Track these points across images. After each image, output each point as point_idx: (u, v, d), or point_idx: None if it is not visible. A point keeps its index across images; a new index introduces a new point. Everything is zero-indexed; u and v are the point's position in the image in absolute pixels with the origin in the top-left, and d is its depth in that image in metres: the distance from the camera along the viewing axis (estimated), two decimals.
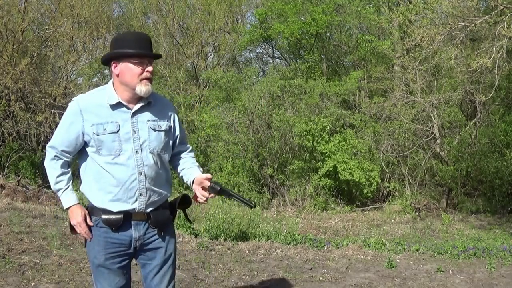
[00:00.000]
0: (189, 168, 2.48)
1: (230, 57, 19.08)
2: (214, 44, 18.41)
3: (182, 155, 2.53)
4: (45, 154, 2.40)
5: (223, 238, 5.65)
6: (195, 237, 5.57)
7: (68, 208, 2.32)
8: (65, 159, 2.32)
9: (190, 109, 15.18)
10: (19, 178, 8.55)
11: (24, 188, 7.87)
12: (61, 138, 2.29)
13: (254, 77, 16.78)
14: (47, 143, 2.41)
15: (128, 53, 2.21)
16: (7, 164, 10.12)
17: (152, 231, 2.36)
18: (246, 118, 12.40)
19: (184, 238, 5.42)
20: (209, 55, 18.87)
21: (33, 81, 11.91)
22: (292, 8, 15.57)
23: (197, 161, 2.60)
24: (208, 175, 2.36)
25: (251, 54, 20.82)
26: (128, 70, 2.23)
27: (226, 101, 13.78)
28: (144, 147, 2.29)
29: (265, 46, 20.04)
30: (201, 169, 2.49)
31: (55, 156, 2.31)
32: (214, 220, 5.89)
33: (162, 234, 2.39)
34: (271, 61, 20.43)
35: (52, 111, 11.87)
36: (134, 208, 2.29)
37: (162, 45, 17.80)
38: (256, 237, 6.00)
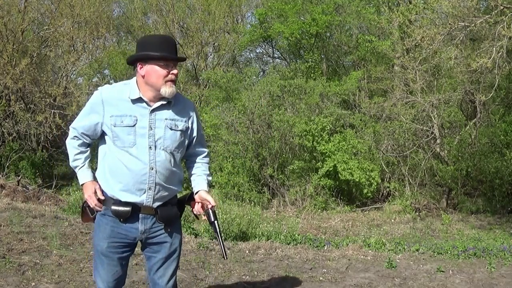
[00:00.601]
0: (198, 175, 2.58)
1: (230, 57, 19.09)
2: (214, 44, 18.42)
3: (197, 159, 2.62)
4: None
5: (223, 238, 5.64)
6: (195, 237, 5.57)
7: (83, 184, 2.45)
8: (85, 140, 2.45)
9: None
10: (19, 178, 8.55)
11: (24, 188, 7.88)
12: (82, 123, 2.42)
13: (254, 77, 16.79)
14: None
15: (155, 56, 2.31)
16: (7, 164, 10.12)
17: (159, 225, 2.45)
18: (246, 118, 12.40)
19: (184, 238, 5.41)
20: (209, 55, 18.88)
21: (33, 81, 11.91)
22: (292, 8, 15.57)
23: (210, 168, 2.68)
24: (211, 202, 2.46)
25: (251, 54, 20.85)
26: (154, 72, 2.32)
27: (226, 101, 13.78)
28: (158, 143, 2.37)
29: (265, 46, 20.04)
30: (210, 178, 2.61)
31: (75, 136, 2.45)
32: None
33: (169, 229, 2.48)
34: (271, 61, 20.43)
35: (52, 111, 11.87)
36: (142, 201, 2.38)
37: None
38: (256, 237, 6.00)
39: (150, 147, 2.35)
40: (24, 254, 4.40)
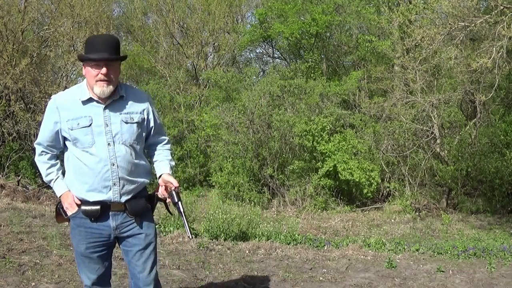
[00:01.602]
0: (160, 161, 2.62)
1: (230, 57, 19.08)
2: (214, 44, 18.41)
3: (158, 147, 2.66)
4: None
5: (223, 238, 5.64)
6: (195, 237, 5.57)
7: (61, 196, 2.48)
8: (52, 153, 2.52)
9: (190, 109, 15.18)
10: (19, 178, 8.55)
11: (24, 188, 7.88)
12: (44, 135, 2.50)
13: (254, 77, 16.80)
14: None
15: (84, 57, 2.39)
16: (7, 164, 10.11)
17: (130, 219, 2.49)
18: (246, 118, 12.39)
19: (184, 238, 5.41)
20: (209, 55, 18.87)
21: (33, 81, 11.90)
22: (292, 8, 15.56)
23: (172, 153, 2.74)
24: (174, 183, 2.49)
25: (251, 54, 20.83)
26: (87, 72, 2.41)
27: (226, 101, 13.77)
28: (116, 139, 2.41)
29: (265, 46, 20.03)
30: (173, 163, 2.65)
31: (42, 151, 2.52)
32: (214, 220, 5.89)
33: (140, 221, 2.52)
34: (271, 61, 20.42)
35: None
36: (109, 198, 2.41)
37: (162, 45, 17.81)
38: (256, 237, 6.00)
39: (108, 144, 2.39)
40: (24, 254, 4.40)
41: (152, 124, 2.58)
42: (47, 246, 4.68)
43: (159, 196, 2.55)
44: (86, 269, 2.52)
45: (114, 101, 2.44)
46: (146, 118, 2.53)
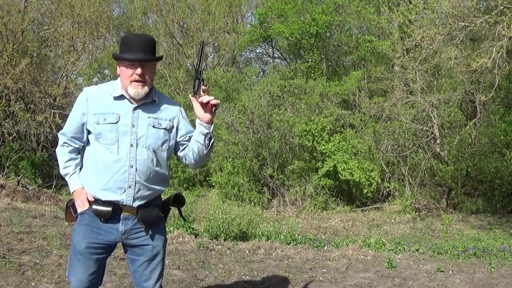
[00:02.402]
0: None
1: (230, 57, 19.09)
2: (214, 44, 18.41)
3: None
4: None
5: (223, 238, 5.65)
6: (195, 237, 5.57)
7: (73, 192, 2.43)
8: (75, 145, 2.45)
9: (190, 109, 15.13)
10: (19, 178, 8.55)
11: (24, 188, 7.87)
12: (70, 125, 2.42)
13: (254, 77, 16.80)
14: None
15: (120, 57, 2.34)
16: (7, 164, 10.11)
17: (140, 227, 2.42)
18: (246, 118, 12.39)
19: (184, 238, 5.42)
20: (209, 55, 18.87)
21: (33, 81, 11.90)
22: (292, 8, 15.56)
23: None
24: (192, 98, 2.42)
25: (251, 54, 20.84)
26: (122, 72, 2.36)
27: (226, 101, 13.77)
28: (140, 141, 2.36)
29: (265, 46, 20.04)
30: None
31: (65, 143, 2.45)
32: (214, 220, 5.90)
33: (150, 232, 2.45)
34: (271, 61, 20.42)
35: (52, 111, 11.86)
36: (122, 200, 2.35)
37: (162, 45, 17.80)
38: (256, 237, 6.00)
39: (131, 145, 2.34)
40: (24, 254, 4.40)
41: (185, 131, 2.49)
42: (47, 246, 4.68)
43: (203, 100, 2.40)
44: (80, 270, 2.42)
45: (145, 103, 2.39)
46: (175, 126, 2.47)
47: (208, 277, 4.29)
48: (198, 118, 2.44)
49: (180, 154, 2.52)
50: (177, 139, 2.49)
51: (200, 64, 2.43)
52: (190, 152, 2.48)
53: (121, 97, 2.37)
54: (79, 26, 13.02)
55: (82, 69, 14.55)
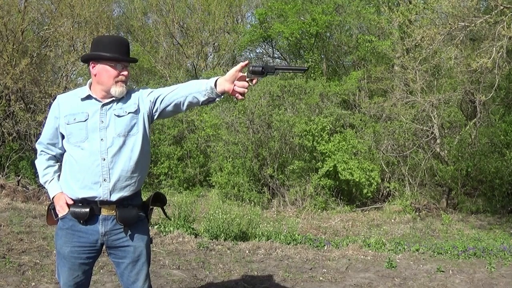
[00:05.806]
0: (196, 83, 2.42)
1: (230, 57, 19.08)
2: (214, 44, 18.42)
3: (180, 88, 2.46)
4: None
5: (223, 238, 5.64)
6: (195, 237, 5.57)
7: (53, 197, 2.45)
8: (51, 153, 2.51)
9: (190, 109, 15.18)
10: (19, 178, 8.55)
11: (24, 188, 7.88)
12: (45, 132, 2.50)
13: None
14: None
15: (106, 56, 2.38)
16: (7, 164, 10.11)
17: (119, 228, 2.42)
18: (246, 118, 12.39)
19: (184, 238, 5.42)
20: (209, 55, 18.88)
21: (33, 81, 11.90)
22: (292, 8, 15.56)
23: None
24: (242, 64, 2.33)
25: (251, 54, 20.83)
26: (105, 71, 2.40)
27: (226, 101, 13.77)
28: (109, 134, 2.39)
29: (265, 46, 20.05)
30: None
31: (42, 151, 2.52)
32: (214, 220, 5.89)
33: (130, 232, 2.45)
34: (271, 61, 20.42)
35: None
36: (99, 195, 2.36)
37: (162, 45, 17.81)
38: (256, 237, 6.00)
39: (102, 139, 2.38)
40: (24, 254, 4.40)
41: (157, 93, 2.45)
42: (47, 246, 4.68)
43: (240, 91, 2.31)
44: (65, 274, 2.43)
45: (113, 100, 2.44)
46: (143, 101, 2.45)
47: (208, 277, 4.29)
48: (219, 83, 2.33)
49: (183, 108, 2.46)
50: (161, 105, 2.45)
51: (280, 71, 2.41)
52: (186, 101, 2.43)
53: (88, 97, 2.44)
54: (79, 26, 13.01)
55: (82, 69, 14.53)
